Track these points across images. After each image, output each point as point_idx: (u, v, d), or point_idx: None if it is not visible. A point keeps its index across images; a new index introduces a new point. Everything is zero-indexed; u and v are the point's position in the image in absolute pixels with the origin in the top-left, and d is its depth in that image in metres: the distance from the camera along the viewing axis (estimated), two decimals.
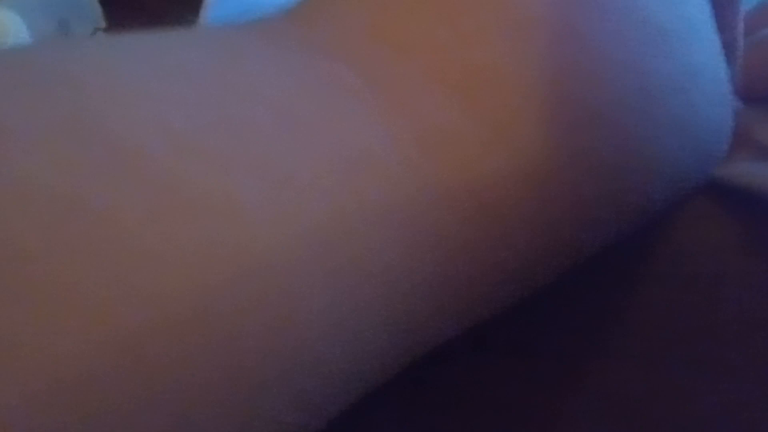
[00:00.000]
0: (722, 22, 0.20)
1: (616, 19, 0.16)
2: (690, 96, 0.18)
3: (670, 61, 0.17)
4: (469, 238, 0.16)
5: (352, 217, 0.14)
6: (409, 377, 0.18)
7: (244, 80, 0.14)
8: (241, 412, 0.12)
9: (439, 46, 0.16)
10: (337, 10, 0.17)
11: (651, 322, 0.21)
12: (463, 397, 0.19)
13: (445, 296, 0.16)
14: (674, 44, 0.17)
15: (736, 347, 0.20)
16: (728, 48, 0.20)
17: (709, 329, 0.20)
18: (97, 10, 0.45)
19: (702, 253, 0.21)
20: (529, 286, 0.17)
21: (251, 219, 0.13)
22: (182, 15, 0.38)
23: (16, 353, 0.10)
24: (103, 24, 0.46)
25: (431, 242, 0.15)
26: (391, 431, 0.19)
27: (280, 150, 0.13)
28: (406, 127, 0.15)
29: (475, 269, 0.16)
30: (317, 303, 0.13)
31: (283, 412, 0.13)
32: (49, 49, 0.15)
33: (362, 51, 0.16)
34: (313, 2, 0.17)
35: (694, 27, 0.18)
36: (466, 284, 0.16)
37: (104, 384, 0.11)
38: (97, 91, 0.13)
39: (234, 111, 0.14)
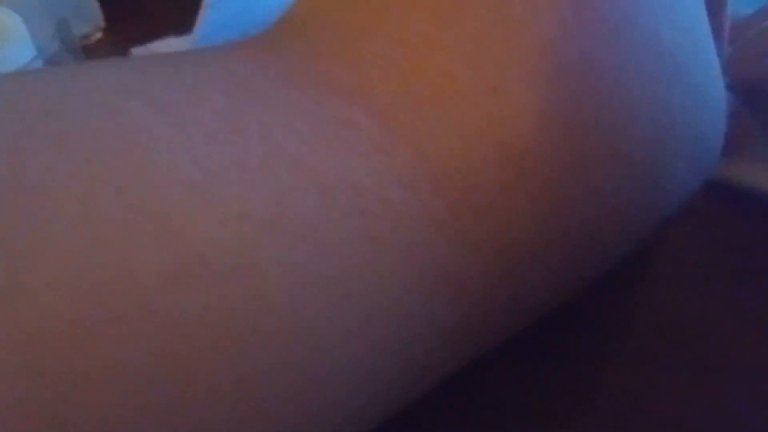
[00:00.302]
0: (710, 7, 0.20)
1: (639, 54, 0.16)
2: (699, 124, 0.18)
3: (684, 93, 0.17)
4: (486, 281, 0.15)
5: (370, 266, 0.14)
6: None
7: (256, 124, 0.14)
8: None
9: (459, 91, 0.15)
10: (349, 45, 0.16)
11: (651, 322, 0.21)
12: (463, 397, 0.19)
13: (458, 334, 0.16)
14: (688, 76, 0.17)
15: (736, 347, 0.20)
16: (715, 30, 0.20)
17: (708, 329, 0.20)
18: (97, 9, 0.45)
19: (702, 252, 0.21)
20: (535, 317, 0.17)
21: (267, 275, 0.13)
22: (181, 14, 0.38)
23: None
24: (102, 24, 0.46)
25: (450, 287, 0.15)
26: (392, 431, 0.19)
27: (296, 200, 0.13)
28: (420, 168, 0.15)
29: (489, 307, 0.16)
30: (333, 344, 0.13)
31: None
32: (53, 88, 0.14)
33: (381, 95, 0.15)
34: (313, 22, 0.17)
35: (703, 55, 0.18)
36: (480, 324, 0.16)
37: None
38: (111, 140, 0.13)
39: (248, 157, 0.13)
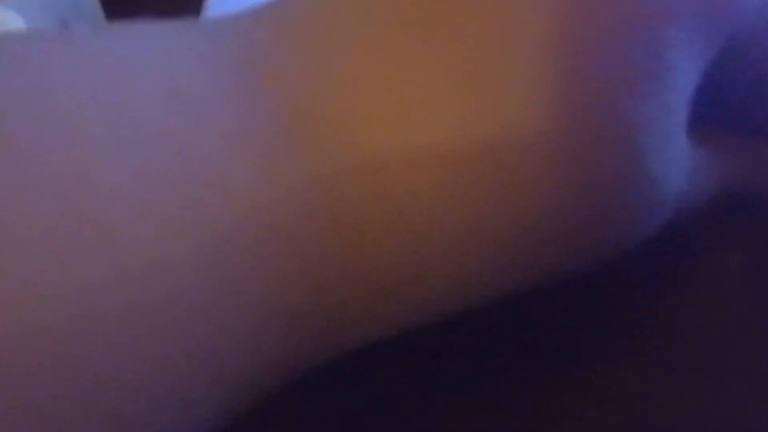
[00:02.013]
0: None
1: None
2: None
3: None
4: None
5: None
6: (408, 378, 0.18)
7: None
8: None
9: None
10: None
11: (651, 321, 0.21)
12: (463, 397, 0.19)
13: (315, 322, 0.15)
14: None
15: (736, 347, 0.20)
16: None
17: (709, 329, 0.20)
18: (98, 9, 0.45)
19: (702, 252, 0.21)
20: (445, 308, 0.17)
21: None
22: (182, 15, 0.38)
23: None
24: (104, 24, 0.46)
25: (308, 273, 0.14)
26: (390, 431, 0.19)
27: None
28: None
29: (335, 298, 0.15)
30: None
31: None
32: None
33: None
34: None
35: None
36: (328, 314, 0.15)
37: None
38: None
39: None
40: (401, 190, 0.15)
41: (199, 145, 0.13)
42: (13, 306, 0.11)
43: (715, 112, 0.19)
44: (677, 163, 0.17)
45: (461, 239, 0.15)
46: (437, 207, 0.15)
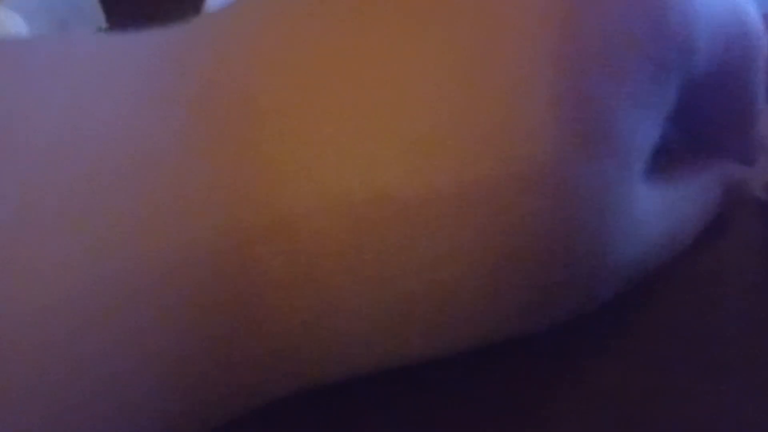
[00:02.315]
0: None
1: None
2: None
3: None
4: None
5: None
6: (406, 378, 0.18)
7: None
8: None
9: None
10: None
11: (651, 322, 0.21)
12: (462, 396, 0.19)
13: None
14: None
15: (736, 347, 0.20)
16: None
17: (709, 329, 0.20)
18: (98, 10, 0.45)
19: (702, 252, 0.21)
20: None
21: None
22: (183, 16, 0.38)
23: None
24: (104, 25, 0.46)
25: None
26: (390, 431, 0.19)
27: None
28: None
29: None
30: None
31: None
32: None
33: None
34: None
35: None
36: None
37: None
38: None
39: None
40: (324, 245, 0.13)
41: (100, 190, 0.12)
42: None
43: (689, 139, 0.19)
44: (631, 222, 0.16)
45: (388, 297, 0.14)
46: (361, 265, 0.14)
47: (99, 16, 0.45)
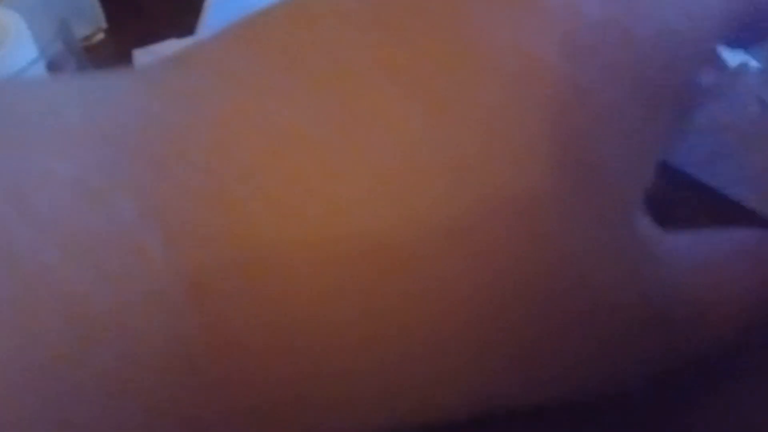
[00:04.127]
0: None
1: None
2: None
3: None
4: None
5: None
6: None
7: None
8: None
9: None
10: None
11: None
12: None
13: None
14: None
15: (736, 347, 0.20)
16: None
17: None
18: (99, 10, 0.45)
19: None
20: None
21: None
22: (184, 15, 0.38)
23: None
24: (104, 25, 0.46)
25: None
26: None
27: None
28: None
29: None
30: None
31: None
32: None
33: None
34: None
35: None
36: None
37: None
38: None
39: None
40: (299, 292, 0.12)
41: (35, 245, 0.11)
42: None
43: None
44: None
45: (380, 355, 0.13)
46: (343, 313, 0.13)
47: (99, 16, 0.46)
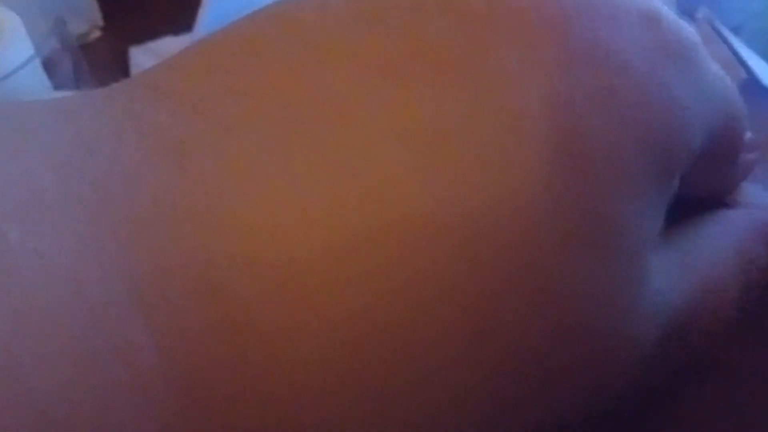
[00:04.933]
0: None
1: None
2: None
3: None
4: None
5: None
6: None
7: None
8: None
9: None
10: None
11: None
12: None
13: None
14: None
15: (736, 347, 0.20)
16: None
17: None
18: (95, 7, 0.45)
19: None
20: None
21: None
22: (180, 12, 0.37)
23: None
24: (101, 22, 0.45)
25: None
26: None
27: None
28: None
29: None
30: None
31: None
32: None
33: None
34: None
35: None
36: None
37: None
38: None
39: None
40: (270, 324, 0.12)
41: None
42: None
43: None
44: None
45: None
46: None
47: (95, 13, 0.45)
